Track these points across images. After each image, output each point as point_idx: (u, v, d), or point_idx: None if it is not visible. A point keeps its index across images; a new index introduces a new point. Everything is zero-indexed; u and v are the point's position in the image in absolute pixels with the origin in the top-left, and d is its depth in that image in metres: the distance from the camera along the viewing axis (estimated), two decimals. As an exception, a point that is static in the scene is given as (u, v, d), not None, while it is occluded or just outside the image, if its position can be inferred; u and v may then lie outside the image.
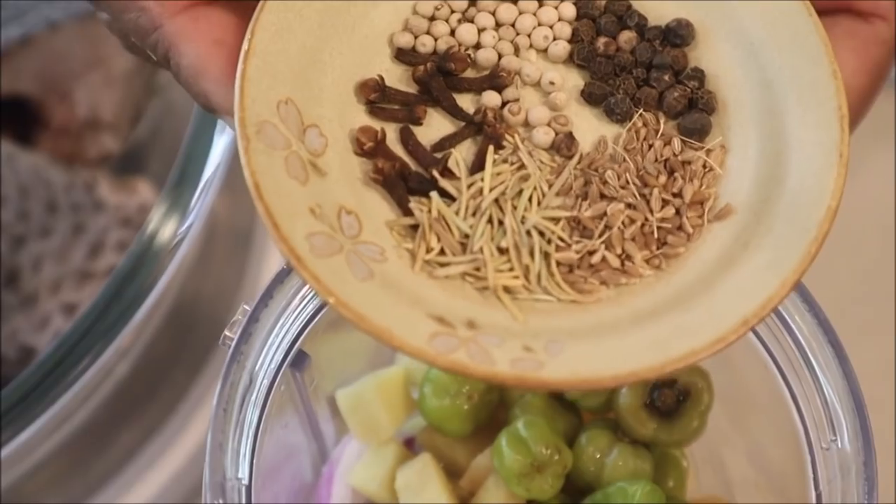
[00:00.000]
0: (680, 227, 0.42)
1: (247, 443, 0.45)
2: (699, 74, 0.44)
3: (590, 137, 0.44)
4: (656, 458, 0.51)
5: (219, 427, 0.44)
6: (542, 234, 0.41)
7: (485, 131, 0.43)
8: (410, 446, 0.54)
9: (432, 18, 0.45)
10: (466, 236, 0.41)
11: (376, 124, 0.43)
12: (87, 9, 0.71)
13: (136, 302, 0.61)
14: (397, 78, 0.44)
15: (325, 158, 0.42)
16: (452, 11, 0.45)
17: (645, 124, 0.44)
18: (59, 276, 0.69)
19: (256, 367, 0.45)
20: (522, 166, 0.43)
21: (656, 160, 0.43)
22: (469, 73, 0.44)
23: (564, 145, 0.43)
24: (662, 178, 0.42)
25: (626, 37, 0.45)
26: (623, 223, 0.42)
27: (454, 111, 0.43)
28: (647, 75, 0.44)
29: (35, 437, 0.62)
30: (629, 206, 0.42)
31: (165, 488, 0.70)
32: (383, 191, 0.42)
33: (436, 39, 0.44)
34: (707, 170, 0.43)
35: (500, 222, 0.41)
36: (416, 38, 0.44)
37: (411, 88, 0.44)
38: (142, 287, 0.62)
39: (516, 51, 0.45)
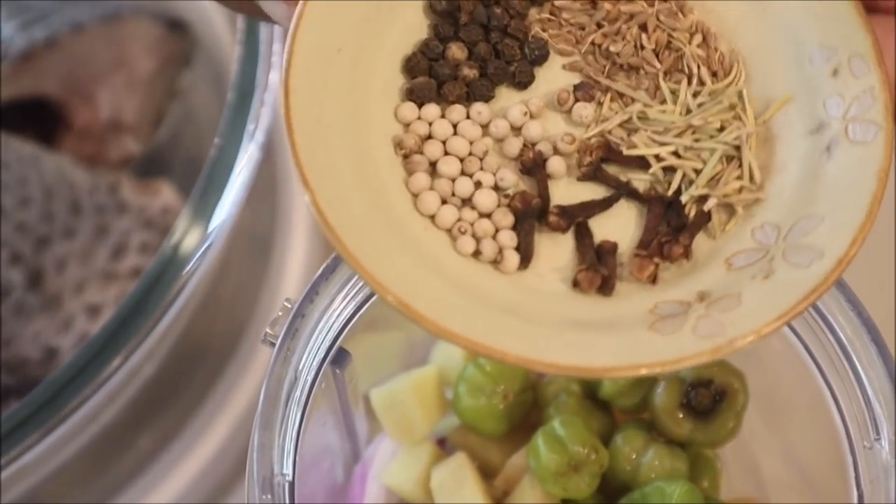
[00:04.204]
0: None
1: (290, 439, 0.45)
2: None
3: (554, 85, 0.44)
4: (690, 459, 0.51)
5: (265, 423, 0.44)
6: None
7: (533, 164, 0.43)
8: (442, 446, 0.55)
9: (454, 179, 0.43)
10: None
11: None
12: (111, 12, 0.72)
13: (163, 306, 0.62)
14: None
15: None
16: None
17: (551, 16, 0.45)
18: (83, 278, 0.69)
19: (301, 364, 0.45)
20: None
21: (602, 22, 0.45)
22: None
23: (590, 92, 0.44)
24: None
25: (456, 48, 0.44)
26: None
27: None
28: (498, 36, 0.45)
29: (61, 439, 0.62)
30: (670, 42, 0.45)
31: (187, 489, 0.70)
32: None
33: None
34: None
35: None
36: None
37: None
38: (168, 292, 0.62)
39: (496, 139, 0.44)
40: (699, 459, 0.52)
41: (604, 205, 0.43)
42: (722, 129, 0.43)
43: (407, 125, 0.43)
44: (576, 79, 0.44)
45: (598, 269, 0.41)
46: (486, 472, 0.53)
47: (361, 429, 0.55)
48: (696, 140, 0.43)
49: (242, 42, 0.64)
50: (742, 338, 0.39)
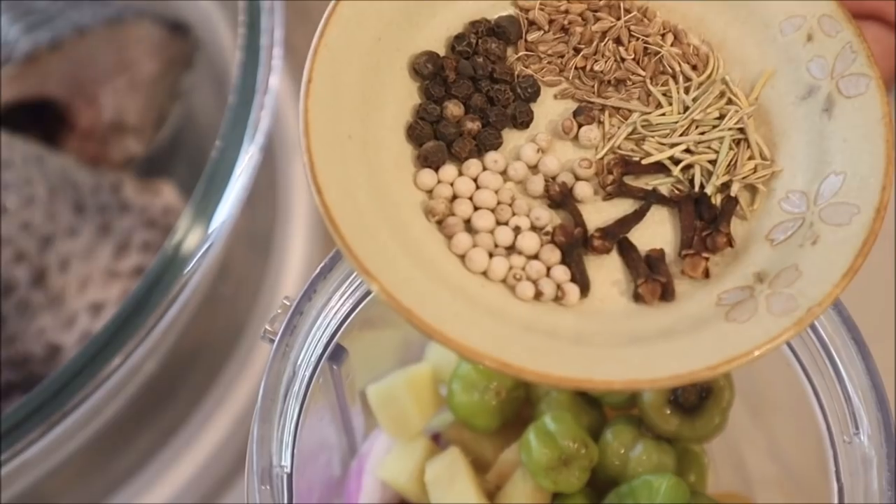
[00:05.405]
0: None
1: (289, 432, 0.46)
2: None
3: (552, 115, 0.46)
4: (678, 454, 0.52)
5: (264, 416, 0.45)
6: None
7: (558, 197, 0.44)
8: (436, 441, 0.55)
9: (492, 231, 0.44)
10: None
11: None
12: (114, 15, 0.72)
13: (164, 305, 0.62)
14: None
15: None
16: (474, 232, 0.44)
17: (528, 52, 0.46)
18: (86, 276, 0.70)
19: (299, 360, 0.46)
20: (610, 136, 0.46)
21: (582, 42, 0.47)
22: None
23: (591, 114, 0.45)
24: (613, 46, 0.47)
25: (452, 105, 0.45)
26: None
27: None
28: (487, 84, 0.46)
29: (63, 435, 0.63)
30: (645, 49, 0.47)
31: (187, 485, 0.71)
32: None
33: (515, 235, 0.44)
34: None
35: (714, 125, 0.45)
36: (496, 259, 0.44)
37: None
38: (170, 291, 0.62)
39: (517, 181, 0.45)
40: (687, 454, 0.53)
41: (638, 217, 0.44)
42: (721, 117, 0.45)
43: (429, 191, 0.44)
44: (569, 104, 0.46)
45: (655, 278, 0.42)
46: (479, 467, 0.53)
47: (358, 424, 0.56)
48: (702, 133, 0.45)
49: (243, 45, 0.65)
50: (819, 305, 0.40)
